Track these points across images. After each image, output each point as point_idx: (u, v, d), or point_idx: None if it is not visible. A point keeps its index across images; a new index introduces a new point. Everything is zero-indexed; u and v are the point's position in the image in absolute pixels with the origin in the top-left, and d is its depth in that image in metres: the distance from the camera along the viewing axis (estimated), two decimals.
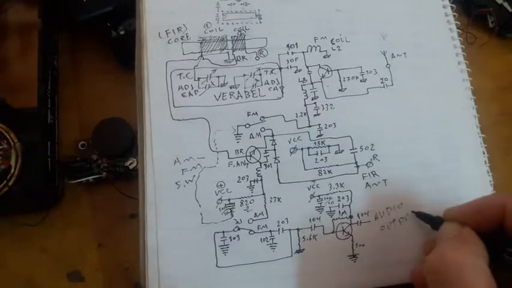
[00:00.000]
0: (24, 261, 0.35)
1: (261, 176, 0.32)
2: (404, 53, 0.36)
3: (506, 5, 0.43)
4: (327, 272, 0.31)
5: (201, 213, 0.31)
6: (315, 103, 0.34)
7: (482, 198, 0.27)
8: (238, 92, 0.33)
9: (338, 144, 0.33)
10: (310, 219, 0.32)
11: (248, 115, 0.33)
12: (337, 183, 0.33)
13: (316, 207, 0.32)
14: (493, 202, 0.26)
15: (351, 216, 0.32)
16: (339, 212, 0.32)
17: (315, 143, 0.33)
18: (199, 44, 0.34)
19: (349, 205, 0.33)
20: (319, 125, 0.34)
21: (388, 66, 0.36)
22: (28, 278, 0.35)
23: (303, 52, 0.35)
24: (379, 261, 0.32)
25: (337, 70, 0.35)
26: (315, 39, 0.36)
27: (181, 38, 0.34)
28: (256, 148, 0.33)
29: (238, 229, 0.31)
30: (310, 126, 0.34)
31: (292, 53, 0.35)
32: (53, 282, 0.35)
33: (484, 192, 0.35)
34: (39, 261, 0.35)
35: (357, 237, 0.32)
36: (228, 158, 0.32)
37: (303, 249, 0.31)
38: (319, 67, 0.35)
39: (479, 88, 0.37)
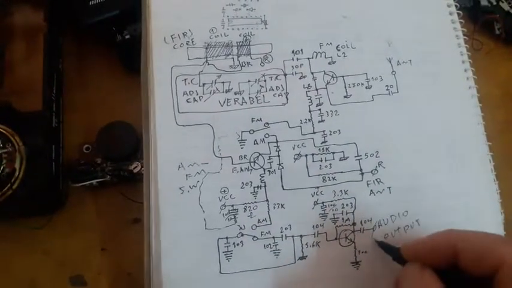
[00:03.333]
0: (27, 264, 0.35)
1: (264, 182, 0.32)
2: (410, 60, 0.36)
3: None
4: (329, 279, 0.31)
5: (204, 219, 0.31)
6: (319, 109, 0.34)
7: (435, 237, 0.27)
8: (243, 98, 0.33)
9: (343, 151, 0.33)
10: (313, 226, 0.32)
11: (252, 121, 0.33)
12: (341, 190, 0.32)
13: (319, 214, 0.32)
14: (444, 242, 0.26)
15: (354, 223, 0.32)
16: (343, 219, 0.32)
17: (319, 149, 0.33)
18: (205, 49, 0.34)
19: (352, 212, 0.32)
20: (323, 131, 0.33)
21: (393, 73, 0.35)
22: (31, 282, 0.35)
23: (308, 58, 0.35)
24: (382, 268, 0.31)
25: (342, 76, 0.35)
26: (320, 46, 0.35)
27: (187, 43, 0.34)
28: (260, 154, 0.33)
29: (242, 235, 0.31)
30: (314, 132, 0.33)
31: (297, 59, 0.35)
32: (55, 286, 0.35)
33: (490, 200, 0.34)
34: (42, 264, 0.35)
35: (360, 244, 0.32)
36: (232, 163, 0.32)
37: (306, 256, 0.31)
38: (324, 73, 0.35)
39: (485, 95, 0.37)
